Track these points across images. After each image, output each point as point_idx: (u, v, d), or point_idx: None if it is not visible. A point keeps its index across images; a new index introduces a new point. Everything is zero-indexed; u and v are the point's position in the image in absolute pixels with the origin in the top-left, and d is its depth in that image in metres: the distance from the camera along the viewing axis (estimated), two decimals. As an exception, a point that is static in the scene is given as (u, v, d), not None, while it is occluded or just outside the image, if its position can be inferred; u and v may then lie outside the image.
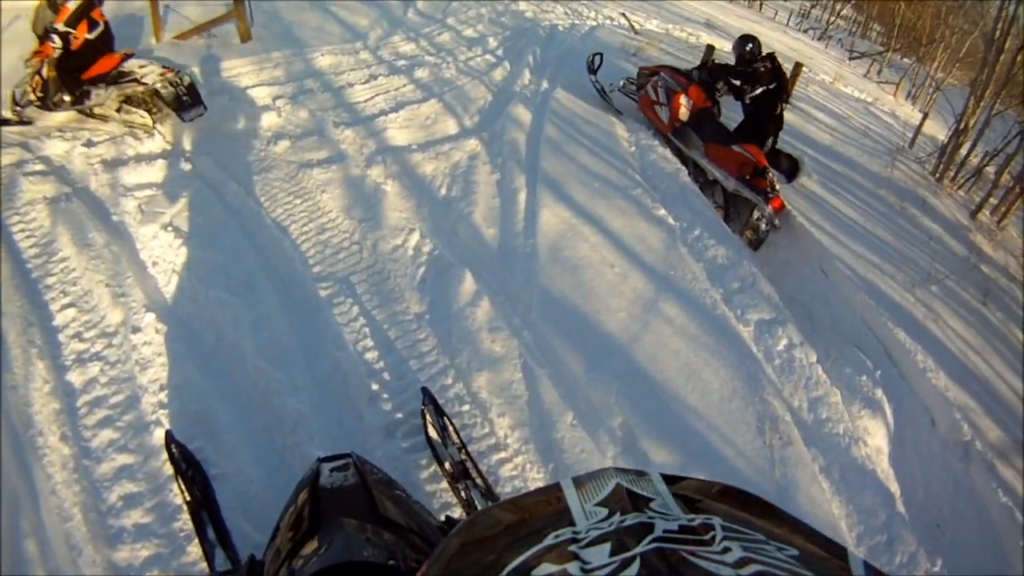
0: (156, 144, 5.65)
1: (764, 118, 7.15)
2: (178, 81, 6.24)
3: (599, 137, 7.34)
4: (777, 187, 6.60)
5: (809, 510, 3.82)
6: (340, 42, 8.74)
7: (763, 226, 6.49)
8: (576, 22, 13.35)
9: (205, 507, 2.86)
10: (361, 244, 4.74)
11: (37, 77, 6.24)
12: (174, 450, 2.99)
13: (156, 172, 5.25)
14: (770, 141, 7.22)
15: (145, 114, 6.17)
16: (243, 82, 7.04)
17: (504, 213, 5.50)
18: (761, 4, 30.96)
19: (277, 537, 1.86)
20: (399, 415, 3.59)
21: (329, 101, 6.98)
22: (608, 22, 14.02)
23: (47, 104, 6.28)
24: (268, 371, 3.64)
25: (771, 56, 7.15)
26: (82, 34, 6.16)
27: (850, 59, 24.82)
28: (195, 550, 2.81)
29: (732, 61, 7.62)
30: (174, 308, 4.04)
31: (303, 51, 8.10)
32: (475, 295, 4.43)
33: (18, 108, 6.28)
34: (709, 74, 7.52)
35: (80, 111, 6.32)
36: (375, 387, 3.71)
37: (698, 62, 8.18)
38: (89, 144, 5.59)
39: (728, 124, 7.54)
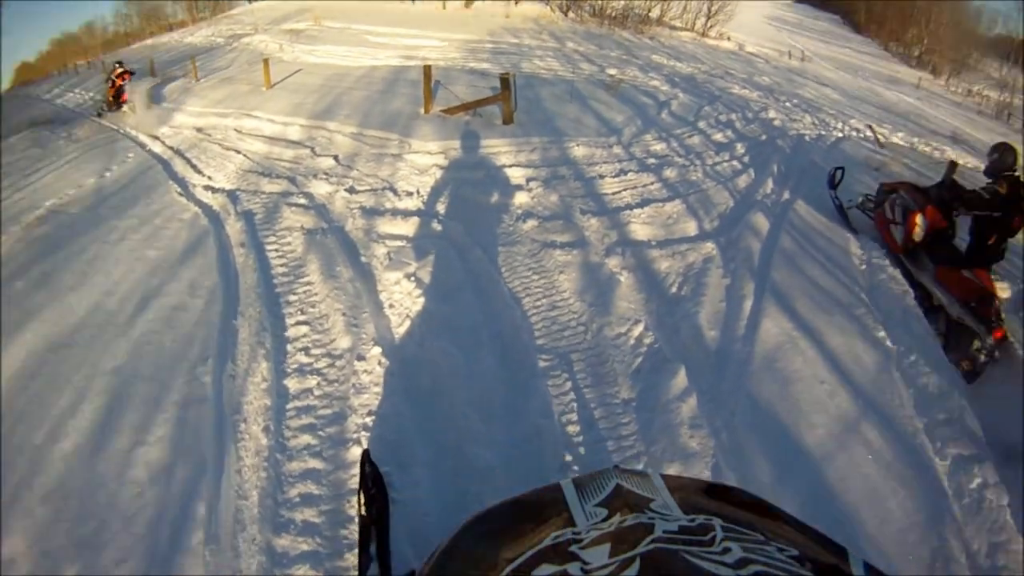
0: (413, 203, 6.15)
1: (978, 243, 6.73)
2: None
3: (832, 253, 7.25)
4: (1003, 316, 6.22)
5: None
6: (595, 135, 9.17)
7: (982, 357, 6.09)
8: (823, 132, 13.29)
9: (376, 525, 3.05)
10: (587, 326, 4.95)
11: (109, 99, 16.95)
12: (367, 468, 3.23)
13: (408, 227, 5.75)
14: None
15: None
16: (500, 161, 7.54)
17: (728, 318, 5.53)
18: (1009, 114, 29.27)
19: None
20: (587, 488, 3.65)
21: (579, 189, 7.36)
22: (854, 134, 13.85)
23: (110, 109, 16.57)
24: (473, 422, 3.88)
25: (1017, 181, 6.53)
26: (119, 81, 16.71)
27: None
28: (352, 559, 3.05)
29: (977, 178, 7.15)
30: (400, 348, 4.42)
31: (560, 139, 8.58)
32: (684, 391, 4.49)
33: (103, 110, 16.98)
34: (948, 192, 7.19)
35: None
36: (568, 458, 3.83)
37: (939, 179, 7.83)
38: (351, 191, 6.20)
39: (961, 244, 7.19)
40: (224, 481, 3.45)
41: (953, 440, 4.88)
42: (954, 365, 5.94)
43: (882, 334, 5.78)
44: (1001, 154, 6.65)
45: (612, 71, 14.49)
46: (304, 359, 4.19)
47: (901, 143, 14.43)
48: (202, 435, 3.78)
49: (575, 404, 4.23)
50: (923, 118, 18.95)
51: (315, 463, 3.55)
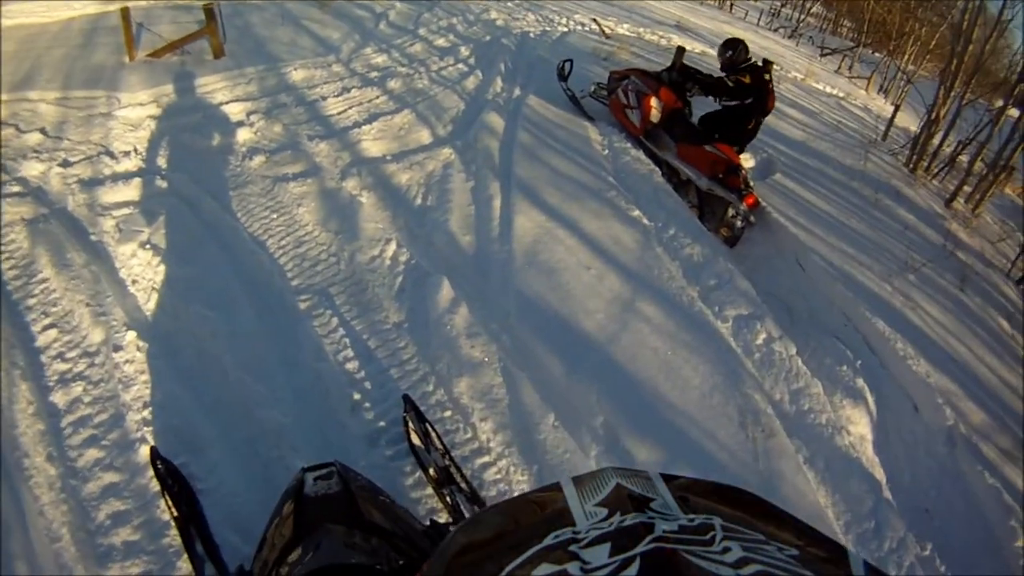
0: (132, 163, 5.65)
1: (736, 128, 7.21)
2: None
3: (572, 142, 7.43)
4: (751, 184, 6.69)
5: (795, 500, 3.87)
6: (313, 56, 8.77)
7: (738, 223, 6.58)
8: (547, 29, 13.48)
9: (192, 521, 2.86)
10: (339, 256, 4.77)
11: None
12: (160, 466, 2.98)
13: (133, 191, 5.25)
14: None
15: None
16: (217, 98, 7.05)
17: (479, 220, 5.55)
18: (732, 5, 31.18)
19: (264, 548, 1.88)
20: (382, 423, 3.61)
21: (303, 115, 7.02)
22: (579, 28, 14.16)
23: None
24: (250, 384, 3.65)
25: (756, 67, 7.12)
26: None
27: (821, 56, 25.08)
28: (185, 565, 2.81)
29: (704, 62, 7.63)
30: (155, 325, 4.03)
31: (276, 66, 8.12)
32: (453, 302, 4.47)
33: None
34: (679, 75, 7.59)
35: None
36: (357, 396, 3.73)
37: (668, 64, 8.26)
38: (65, 164, 5.60)
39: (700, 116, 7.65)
40: (31, 530, 3.05)
41: (729, 303, 5.27)
42: (713, 233, 6.36)
43: (637, 213, 6.03)
44: (735, 51, 7.15)
45: (325, -14, 13.98)
46: (62, 366, 3.71)
47: (627, 33, 14.99)
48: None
49: (347, 339, 4.11)
50: (647, 9, 19.72)
51: (111, 477, 3.17)
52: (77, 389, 3.58)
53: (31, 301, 4.16)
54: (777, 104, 8.68)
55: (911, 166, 10.64)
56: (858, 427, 4.72)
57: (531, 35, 12.52)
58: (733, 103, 7.11)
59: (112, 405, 3.51)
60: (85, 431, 3.38)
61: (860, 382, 5.00)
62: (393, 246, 4.95)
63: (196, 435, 3.39)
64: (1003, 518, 4.39)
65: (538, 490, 1.01)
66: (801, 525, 0.87)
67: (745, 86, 6.97)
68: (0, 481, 3.14)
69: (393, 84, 8.22)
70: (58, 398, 3.50)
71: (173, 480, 2.99)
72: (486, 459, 3.58)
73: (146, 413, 3.49)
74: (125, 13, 8.26)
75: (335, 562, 1.57)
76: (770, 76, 7.14)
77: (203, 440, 3.37)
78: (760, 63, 7.18)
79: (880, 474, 4.47)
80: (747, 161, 7.30)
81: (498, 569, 0.79)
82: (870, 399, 4.94)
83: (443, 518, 3.16)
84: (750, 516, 0.89)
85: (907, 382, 5.21)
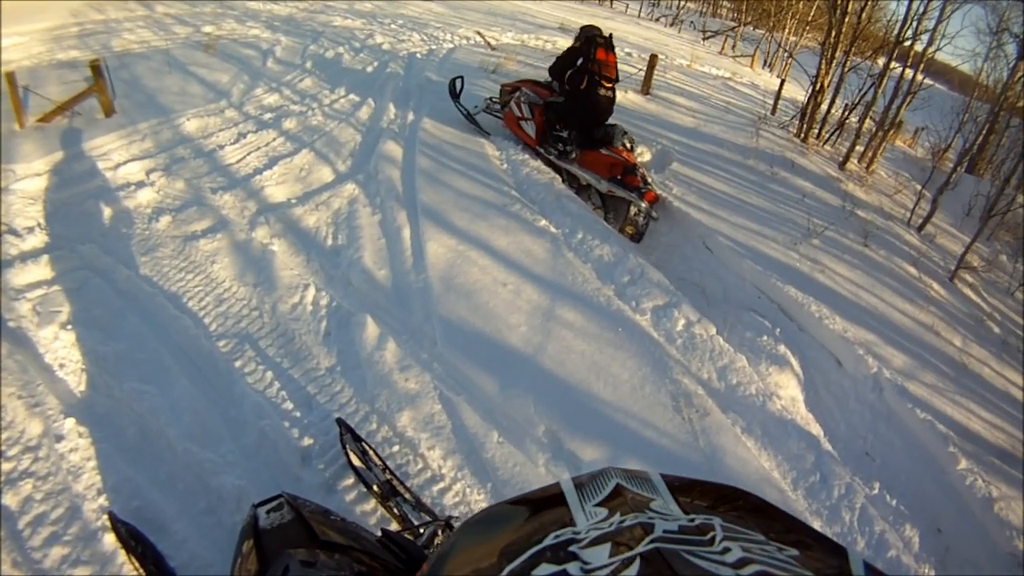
0: (38, 239, 5.51)
1: (578, 101, 7.49)
2: None
3: (471, 160, 7.59)
4: (649, 181, 6.96)
5: (740, 470, 4.10)
6: (204, 103, 8.68)
7: (641, 220, 6.83)
8: (433, 47, 13.61)
9: None
10: (260, 308, 4.79)
11: None
12: (121, 529, 2.99)
13: (44, 269, 5.08)
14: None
15: None
16: (114, 159, 6.89)
17: (392, 252, 5.64)
18: (612, 2, 31.64)
19: None
20: (334, 468, 3.68)
21: (203, 167, 6.96)
22: (465, 42, 14.37)
23: None
24: (198, 453, 3.64)
25: (588, 38, 7.48)
26: None
27: (704, 39, 25.78)
28: None
29: None
30: (92, 408, 3.96)
31: (169, 118, 8.00)
32: (380, 338, 4.57)
33: None
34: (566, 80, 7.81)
35: None
36: (305, 444, 3.80)
37: None
38: (-31, 248, 5.45)
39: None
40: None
41: (645, 295, 5.49)
42: (620, 232, 6.59)
43: (544, 223, 6.23)
44: (585, 29, 7.59)
45: (208, 28, 13.63)
46: (6, 466, 3.50)
47: (512, 41, 15.37)
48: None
49: (284, 392, 4.16)
50: (529, 14, 20.10)
51: (81, 571, 3.09)
52: (27, 487, 3.49)
53: (-41, 402, 4.03)
54: (666, 95, 8.90)
55: (802, 136, 11.18)
56: (787, 390, 5.03)
57: (418, 55, 12.65)
58: (567, 74, 7.54)
59: (66, 497, 3.45)
60: (44, 529, 3.31)
61: (782, 348, 5.32)
62: (312, 291, 5.01)
63: (157, 514, 3.38)
64: (941, 446, 4.75)
65: (538, 490, 1.07)
66: (801, 525, 0.92)
67: (578, 49, 7.44)
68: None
69: (288, 124, 8.23)
70: (9, 500, 3.39)
71: (136, 541, 2.99)
72: (441, 485, 3.70)
73: (102, 500, 3.43)
74: (10, 78, 8.01)
75: None
76: (603, 39, 7.50)
77: (165, 518, 3.36)
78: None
79: (816, 429, 4.77)
80: (643, 155, 7.55)
81: (498, 569, 0.84)
82: (794, 362, 5.27)
83: (394, 526, 3.31)
84: (750, 516, 0.94)
85: (827, 340, 5.57)
